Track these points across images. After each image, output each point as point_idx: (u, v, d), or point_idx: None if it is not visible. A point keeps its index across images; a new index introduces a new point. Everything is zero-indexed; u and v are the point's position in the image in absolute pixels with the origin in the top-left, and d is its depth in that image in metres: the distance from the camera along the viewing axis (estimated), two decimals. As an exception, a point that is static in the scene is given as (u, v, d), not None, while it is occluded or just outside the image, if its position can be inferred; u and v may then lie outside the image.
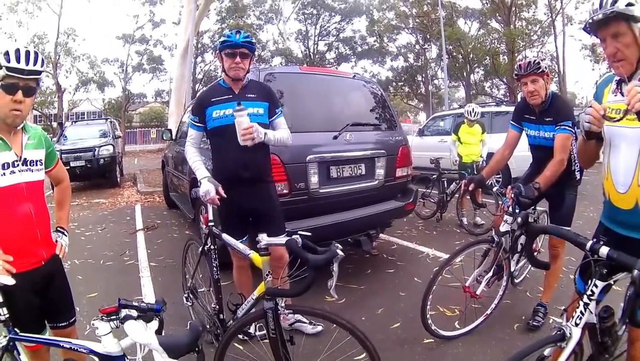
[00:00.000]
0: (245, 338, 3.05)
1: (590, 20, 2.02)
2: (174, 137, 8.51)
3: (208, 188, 3.11)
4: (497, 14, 35.94)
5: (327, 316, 2.51)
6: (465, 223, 7.43)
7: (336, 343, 2.77)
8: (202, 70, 35.70)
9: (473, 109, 7.73)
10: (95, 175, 13.39)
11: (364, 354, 2.37)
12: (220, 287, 3.23)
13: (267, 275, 2.46)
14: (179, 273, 4.25)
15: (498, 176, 10.40)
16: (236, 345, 3.26)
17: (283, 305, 2.43)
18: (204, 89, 3.73)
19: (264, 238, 2.41)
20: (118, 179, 14.11)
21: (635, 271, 1.70)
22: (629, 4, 1.92)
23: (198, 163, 3.37)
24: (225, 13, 34.43)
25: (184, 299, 3.69)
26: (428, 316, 3.57)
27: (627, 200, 2.16)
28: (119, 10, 72.16)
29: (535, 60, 3.73)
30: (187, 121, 3.57)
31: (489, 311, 3.90)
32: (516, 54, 33.85)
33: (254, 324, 2.76)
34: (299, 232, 2.34)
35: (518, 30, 34.09)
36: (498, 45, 37.68)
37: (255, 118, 3.29)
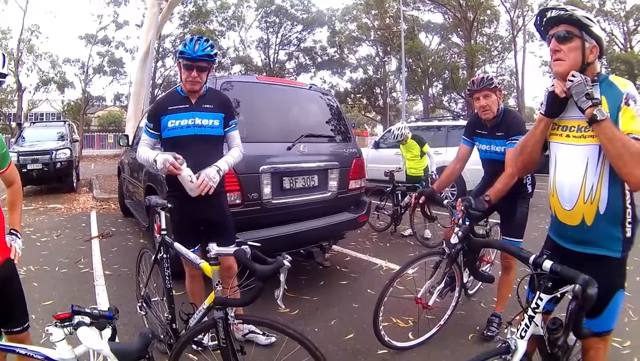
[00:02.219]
0: (199, 348, 3.06)
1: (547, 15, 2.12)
2: (130, 143, 8.38)
3: (165, 157, 3.07)
4: (459, 29, 36.87)
5: (276, 326, 2.52)
6: (418, 236, 7.55)
7: (287, 353, 2.77)
8: (162, 75, 35.66)
9: (393, 132, 8.08)
10: (52, 179, 13.05)
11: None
12: (172, 296, 3.18)
13: (217, 284, 2.49)
14: (133, 283, 4.21)
15: (453, 189, 10.61)
16: (190, 355, 3.28)
17: (233, 314, 2.43)
18: (162, 94, 3.66)
19: (213, 248, 2.42)
20: (74, 184, 13.74)
21: (577, 286, 1.76)
22: (588, 18, 2.02)
23: (149, 151, 3.33)
24: (188, 18, 34.49)
25: (138, 308, 3.67)
26: (381, 327, 3.59)
27: (573, 216, 2.23)
28: (83, 10, 71.94)
29: (488, 76, 3.83)
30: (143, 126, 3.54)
31: (442, 322, 3.94)
32: (476, 69, 34.68)
33: (207, 334, 2.79)
34: (248, 243, 2.35)
35: (479, 46, 34.98)
36: (458, 60, 38.56)
37: (209, 130, 3.33)
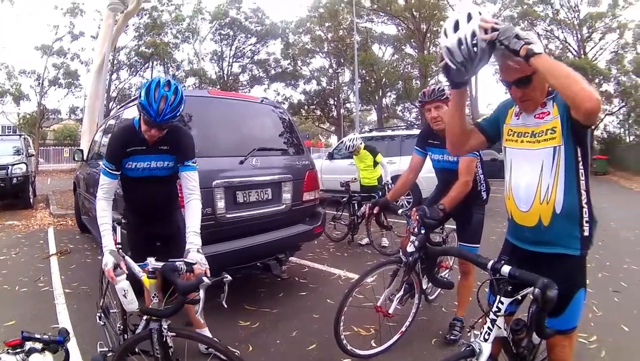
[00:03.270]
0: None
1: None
2: (85, 158, 8.23)
3: (107, 260, 2.84)
4: (412, 40, 37.53)
5: (206, 341, 2.67)
6: (375, 245, 7.62)
7: None
8: (116, 87, 34.83)
9: (345, 144, 8.24)
10: (8, 195, 12.61)
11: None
12: (124, 309, 3.09)
13: (154, 297, 2.54)
14: (93, 301, 4.13)
15: (409, 197, 10.73)
16: None
17: (166, 326, 2.42)
18: (120, 129, 3.40)
19: (150, 263, 2.51)
20: (31, 200, 13.35)
21: (536, 289, 1.79)
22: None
23: (106, 230, 3.04)
24: (143, 29, 33.77)
25: (97, 318, 3.65)
26: (342, 336, 3.59)
27: (530, 217, 2.28)
28: (40, 19, 69.46)
29: (439, 87, 3.87)
30: (101, 168, 3.30)
31: (403, 329, 3.97)
32: (429, 79, 35.30)
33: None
34: (183, 260, 2.54)
35: (432, 56, 35.67)
36: (411, 70, 39.17)
37: (163, 172, 3.25)
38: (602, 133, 37.19)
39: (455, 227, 4.29)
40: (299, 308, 4.86)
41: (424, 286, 4.13)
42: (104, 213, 3.02)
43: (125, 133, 3.21)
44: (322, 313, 4.64)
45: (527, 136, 2.27)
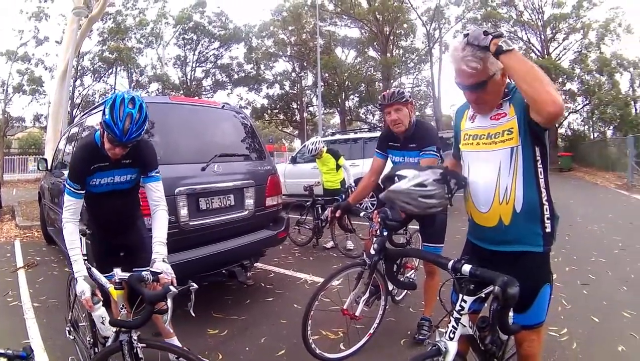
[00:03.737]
0: None
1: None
2: (49, 167, 8.03)
3: (83, 288, 2.77)
4: (375, 43, 37.85)
5: (178, 352, 2.60)
6: (340, 248, 7.64)
7: None
8: (80, 94, 34.54)
9: (308, 147, 8.26)
10: None
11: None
12: (94, 320, 3.02)
13: (122, 308, 2.55)
14: (62, 314, 4.06)
15: (373, 199, 10.80)
16: None
17: (136, 337, 2.39)
18: (81, 147, 3.26)
19: (117, 273, 2.51)
20: (-3, 212, 12.95)
21: (496, 287, 1.81)
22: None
23: (76, 255, 2.93)
24: (107, 34, 33.69)
25: (67, 332, 3.60)
26: (311, 341, 3.59)
27: (490, 218, 2.31)
28: (5, 24, 68.02)
29: (399, 90, 3.88)
30: (64, 187, 3.20)
31: (372, 331, 3.98)
32: (392, 81, 35.63)
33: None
34: (149, 269, 2.55)
35: (395, 59, 36.11)
36: (374, 73, 39.44)
37: (126, 185, 3.22)
38: (566, 130, 38.04)
39: (418, 227, 4.33)
40: (266, 314, 4.84)
41: (390, 288, 4.15)
42: (73, 237, 2.93)
43: (88, 152, 3.09)
44: (289, 319, 4.64)
45: (484, 138, 2.29)
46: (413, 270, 5.06)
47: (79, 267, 2.84)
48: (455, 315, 2.14)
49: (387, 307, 4.12)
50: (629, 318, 4.43)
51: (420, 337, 4.02)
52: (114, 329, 2.49)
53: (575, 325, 4.26)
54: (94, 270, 2.92)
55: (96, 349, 3.05)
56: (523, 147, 2.16)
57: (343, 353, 3.82)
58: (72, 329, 3.54)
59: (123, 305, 2.54)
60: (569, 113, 35.46)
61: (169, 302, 2.19)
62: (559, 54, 34.94)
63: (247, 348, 4.04)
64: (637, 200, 13.45)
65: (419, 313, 4.43)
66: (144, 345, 2.41)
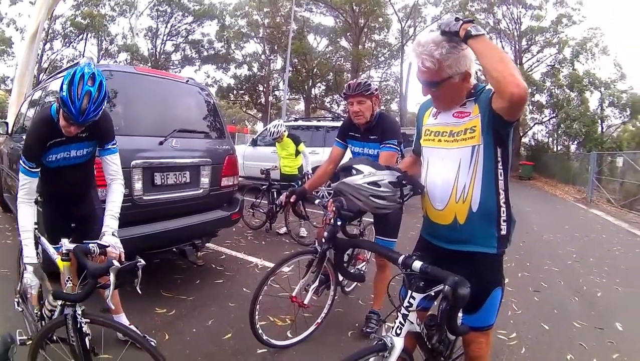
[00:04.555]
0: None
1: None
2: (9, 131, 7.74)
3: (30, 282, 2.75)
4: (348, 34, 37.91)
5: (120, 329, 2.62)
6: (293, 234, 7.69)
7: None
8: (48, 58, 33.85)
9: (270, 130, 8.19)
10: None
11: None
12: (41, 293, 2.94)
13: (67, 280, 2.44)
14: (14, 284, 3.85)
15: (329, 188, 10.81)
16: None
17: (80, 312, 2.32)
18: (36, 123, 3.15)
19: (64, 244, 2.37)
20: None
21: (446, 287, 1.80)
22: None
23: (28, 238, 2.87)
24: None
25: (15, 304, 3.46)
26: (258, 326, 3.57)
27: (445, 216, 2.30)
28: None
29: (365, 82, 3.84)
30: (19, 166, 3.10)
31: (319, 320, 4.00)
32: (361, 73, 35.75)
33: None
34: (97, 242, 2.42)
35: (366, 51, 36.09)
36: (344, 63, 39.51)
37: (81, 159, 3.12)
38: (530, 140, 38.70)
39: (372, 220, 4.35)
40: (215, 296, 4.81)
41: (340, 278, 4.16)
42: (27, 220, 2.87)
43: (44, 128, 2.96)
44: (238, 302, 4.63)
45: (445, 135, 2.29)
46: (364, 262, 5.11)
47: (29, 252, 2.79)
48: (403, 311, 2.13)
49: (336, 297, 4.15)
50: (579, 328, 4.53)
51: (367, 330, 4.05)
52: (60, 302, 2.42)
53: (525, 330, 4.35)
54: (43, 240, 2.88)
55: (43, 322, 2.91)
56: (485, 147, 2.16)
57: (290, 341, 3.82)
58: (20, 300, 3.42)
59: (69, 278, 2.45)
60: (534, 124, 36.15)
61: (112, 277, 2.15)
62: (531, 66, 35.45)
63: (194, 330, 4.01)
64: (594, 215, 13.78)
65: (367, 306, 4.47)
66: (88, 320, 2.35)
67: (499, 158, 2.20)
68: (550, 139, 38.35)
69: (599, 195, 17.98)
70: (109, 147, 3.11)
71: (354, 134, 4.06)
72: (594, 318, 4.83)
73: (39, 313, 2.94)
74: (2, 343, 1.55)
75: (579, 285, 6.02)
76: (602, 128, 31.77)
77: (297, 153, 8.20)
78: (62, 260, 2.42)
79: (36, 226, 2.95)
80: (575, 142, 33.09)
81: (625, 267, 7.12)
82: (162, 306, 4.39)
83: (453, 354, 2.69)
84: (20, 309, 3.41)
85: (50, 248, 2.79)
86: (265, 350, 3.68)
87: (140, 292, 2.25)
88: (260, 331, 3.58)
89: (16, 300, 3.47)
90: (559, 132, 34.48)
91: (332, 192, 10.71)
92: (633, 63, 63.27)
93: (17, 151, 5.81)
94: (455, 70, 2.10)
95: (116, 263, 2.16)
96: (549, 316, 4.78)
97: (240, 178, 6.25)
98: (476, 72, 2.28)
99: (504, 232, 2.28)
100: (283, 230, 8.09)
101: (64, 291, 2.42)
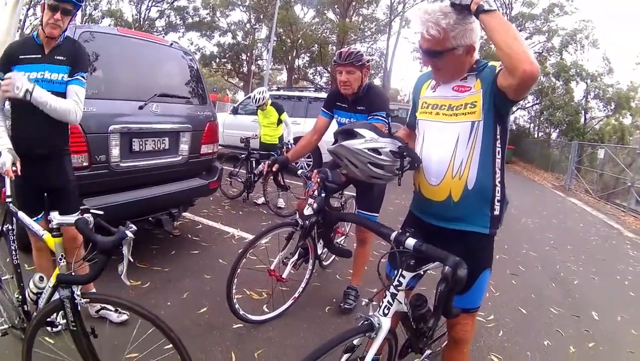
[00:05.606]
0: (53, 330, 2.61)
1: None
2: None
3: (4, 159, 2.75)
4: (336, 6, 37.64)
5: (126, 305, 2.33)
6: (271, 205, 7.63)
7: (142, 333, 2.55)
8: (31, 24, 33.00)
9: (255, 96, 8.10)
10: None
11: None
12: (20, 274, 2.84)
13: (61, 258, 2.24)
14: None
15: (309, 159, 10.84)
16: (47, 338, 2.92)
17: (79, 293, 2.20)
18: (17, 40, 3.16)
19: (55, 218, 2.17)
20: None
21: (447, 268, 1.74)
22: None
23: (0, 131, 2.95)
24: None
25: None
26: (235, 300, 3.53)
27: (439, 192, 2.25)
28: None
29: (358, 52, 3.72)
30: None
31: (296, 295, 3.99)
32: (345, 46, 35.58)
33: (58, 313, 2.40)
34: (91, 211, 2.16)
35: (353, 24, 35.83)
36: (329, 36, 39.28)
37: (57, 87, 3.00)
38: (511, 125, 38.91)
39: (353, 194, 4.31)
40: (190, 268, 4.76)
41: (319, 252, 4.17)
42: None
43: (21, 41, 3.11)
44: (213, 274, 4.59)
45: (444, 109, 2.24)
46: (343, 236, 5.10)
47: (3, 141, 2.87)
48: (392, 290, 2.08)
49: (314, 272, 4.13)
50: (556, 314, 4.60)
51: (346, 306, 4.06)
52: (50, 283, 2.28)
53: (502, 313, 4.40)
54: (22, 215, 2.68)
55: (25, 306, 2.78)
56: (485, 123, 2.12)
57: (266, 316, 3.80)
58: None
59: (62, 255, 2.25)
60: (517, 109, 36.21)
61: (125, 250, 1.98)
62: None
63: (169, 303, 3.94)
64: (572, 203, 13.99)
65: (345, 281, 4.50)
66: (87, 300, 2.23)
67: (498, 136, 2.17)
68: (532, 125, 38.62)
69: (577, 184, 18.26)
70: (78, 77, 3.05)
71: (341, 104, 3.97)
72: (571, 305, 4.91)
73: (19, 296, 2.80)
74: None
75: (556, 272, 6.11)
76: (585, 119, 32.02)
77: (279, 122, 8.15)
78: (53, 235, 2.23)
79: (10, 200, 2.83)
80: (557, 130, 33.34)
81: (601, 258, 7.25)
82: (136, 278, 4.30)
83: (434, 334, 2.68)
84: None
85: (34, 224, 2.59)
86: (241, 325, 3.64)
87: (131, 260, 2.05)
88: (237, 306, 3.54)
89: None
90: (542, 118, 34.68)
91: (311, 163, 10.72)
92: (621, 58, 63.80)
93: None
94: (460, 42, 2.05)
95: (129, 233, 1.97)
96: (526, 300, 4.85)
97: (219, 147, 6.17)
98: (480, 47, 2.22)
99: (497, 212, 2.25)
100: (261, 200, 8.08)
101: (58, 270, 2.20)
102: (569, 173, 18.51)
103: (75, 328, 2.18)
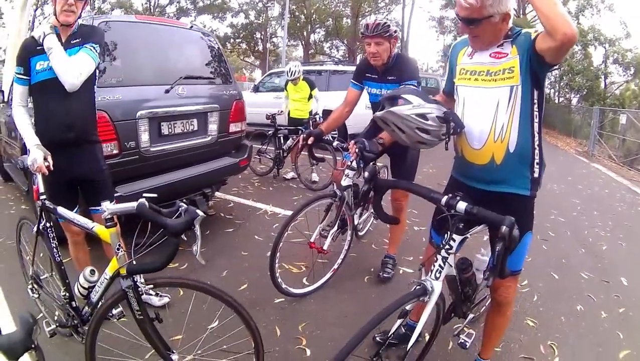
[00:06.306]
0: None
1: None
2: (5, 99, 7.61)
3: (35, 156, 2.75)
4: (349, -22, 37.10)
5: (196, 286, 2.33)
6: (303, 178, 7.74)
7: (207, 314, 2.71)
8: (40, 23, 32.93)
9: (290, 69, 8.15)
10: None
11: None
12: (64, 271, 2.79)
13: (118, 249, 2.23)
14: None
15: (334, 132, 10.83)
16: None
17: (143, 280, 2.25)
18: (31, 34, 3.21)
19: (108, 207, 2.11)
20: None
21: (505, 228, 1.80)
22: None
23: (27, 128, 2.99)
24: None
25: (29, 291, 3.13)
26: (277, 275, 3.61)
27: (482, 155, 2.34)
28: None
29: (385, 23, 3.68)
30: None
31: (335, 266, 4.05)
32: (360, 18, 35.37)
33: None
34: (144, 195, 2.07)
35: (366, -5, 35.40)
36: (343, 9, 38.87)
37: None
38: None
39: (385, 163, 4.42)
40: (226, 246, 4.84)
41: (356, 222, 4.22)
42: (23, 117, 3.03)
43: (34, 38, 3.03)
44: (250, 251, 4.68)
45: (483, 75, 2.31)
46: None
47: (31, 139, 2.90)
48: (443, 253, 2.17)
49: (352, 243, 4.19)
50: (587, 279, 4.64)
51: (384, 275, 4.14)
52: (107, 275, 2.26)
53: (535, 278, 4.46)
54: (62, 210, 2.64)
55: (73, 303, 2.70)
56: (523, 87, 2.19)
57: (308, 288, 3.88)
58: (34, 286, 3.10)
59: (119, 245, 2.23)
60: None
61: (198, 230, 1.94)
62: (535, 16, 35.09)
63: (209, 282, 3.91)
64: (596, 168, 13.82)
65: (382, 250, 4.56)
66: (151, 285, 2.25)
67: (535, 100, 2.24)
68: (552, 91, 38.19)
69: (600, 150, 18.00)
70: (86, 46, 3.06)
71: (371, 75, 3.97)
72: (600, 270, 4.94)
73: (66, 293, 2.73)
74: (22, 325, 1.29)
75: (585, 237, 6.12)
76: (605, 84, 31.58)
77: (309, 97, 8.24)
78: (107, 226, 2.19)
79: (44, 196, 2.80)
80: (578, 96, 32.94)
81: (628, 224, 7.20)
82: (174, 260, 4.30)
83: (476, 299, 2.77)
84: (35, 296, 3.14)
85: (80, 218, 2.53)
86: (283, 299, 3.73)
87: (199, 235, 2.01)
88: (279, 280, 3.61)
89: (29, 286, 3.15)
90: (562, 84, 34.26)
91: (336, 135, 10.79)
92: (638, 20, 62.36)
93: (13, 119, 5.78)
94: (496, 10, 2.11)
95: (200, 212, 1.93)
96: (557, 265, 4.90)
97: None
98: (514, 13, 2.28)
99: (536, 175, 2.34)
100: (290, 175, 8.20)
101: (116, 261, 2.18)
102: (592, 139, 18.24)
103: (141, 317, 2.18)
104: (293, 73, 8.05)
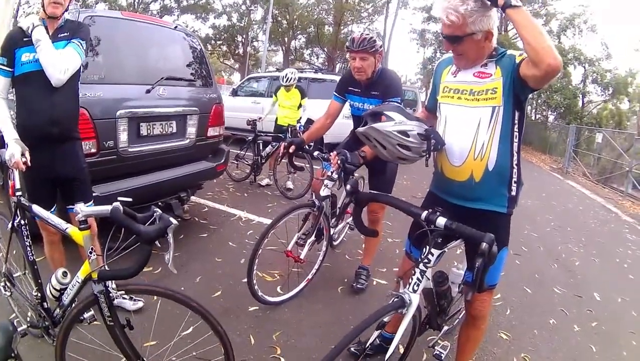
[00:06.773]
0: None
1: None
2: None
3: (13, 151, 2.70)
4: (333, -14, 37.27)
5: (174, 297, 2.24)
6: (279, 185, 7.73)
7: (177, 321, 2.65)
8: (24, 12, 32.48)
9: (286, 75, 8.14)
10: None
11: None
12: (37, 271, 2.71)
13: (91, 252, 2.12)
14: None
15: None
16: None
17: (114, 286, 2.17)
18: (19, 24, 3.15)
19: (82, 209, 2.02)
20: None
21: (484, 244, 1.83)
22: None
23: (6, 121, 2.93)
24: None
25: (2, 288, 3.03)
26: (255, 282, 3.59)
27: (461, 172, 2.38)
28: None
29: (371, 38, 3.72)
30: None
31: (310, 276, 4.06)
32: (342, 27, 35.47)
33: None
34: (119, 198, 2.01)
35: (349, 5, 35.58)
36: (326, 16, 39.04)
37: None
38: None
39: (361, 175, 4.45)
40: (200, 252, 4.81)
41: (331, 233, 4.24)
42: (2, 109, 2.95)
43: (21, 29, 2.99)
44: (224, 257, 4.65)
45: (466, 94, 2.35)
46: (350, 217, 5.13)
47: (10, 132, 2.84)
48: (422, 267, 2.20)
49: (326, 252, 4.20)
50: (559, 294, 4.73)
51: (358, 286, 4.15)
52: (79, 279, 2.21)
53: (509, 292, 4.52)
54: (37, 208, 2.54)
55: (45, 304, 2.65)
56: (504, 108, 2.24)
57: (283, 297, 3.87)
58: (7, 284, 3.02)
59: (92, 249, 2.12)
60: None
61: (171, 238, 1.91)
62: (516, 33, 35.47)
63: (183, 288, 3.90)
64: (570, 186, 14.08)
65: (355, 261, 4.59)
66: (122, 291, 2.18)
67: (516, 121, 2.28)
68: (529, 108, 38.70)
69: (575, 167, 18.36)
70: (73, 41, 3.04)
71: (354, 89, 4.01)
72: (573, 285, 5.05)
73: (38, 293, 2.67)
74: (2, 333, 1.23)
75: (558, 252, 6.25)
76: (583, 103, 32.08)
77: (299, 106, 8.24)
78: (81, 228, 2.11)
79: (20, 193, 2.73)
80: (555, 113, 33.41)
81: (601, 240, 7.36)
82: (148, 264, 4.23)
83: (450, 311, 2.82)
84: (8, 294, 3.05)
85: (54, 218, 2.44)
86: (257, 308, 3.71)
87: (172, 243, 1.97)
88: (256, 287, 3.60)
89: (2, 284, 3.04)
90: (539, 101, 34.73)
91: (312, 145, 10.76)
92: (619, 43, 64.00)
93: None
94: (478, 27, 2.15)
95: (174, 221, 1.91)
96: (530, 280, 4.99)
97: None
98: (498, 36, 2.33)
99: (514, 193, 2.39)
100: (265, 181, 8.19)
101: (88, 265, 2.10)
102: (567, 156, 18.60)
103: (112, 323, 2.14)
104: (289, 80, 8.02)
